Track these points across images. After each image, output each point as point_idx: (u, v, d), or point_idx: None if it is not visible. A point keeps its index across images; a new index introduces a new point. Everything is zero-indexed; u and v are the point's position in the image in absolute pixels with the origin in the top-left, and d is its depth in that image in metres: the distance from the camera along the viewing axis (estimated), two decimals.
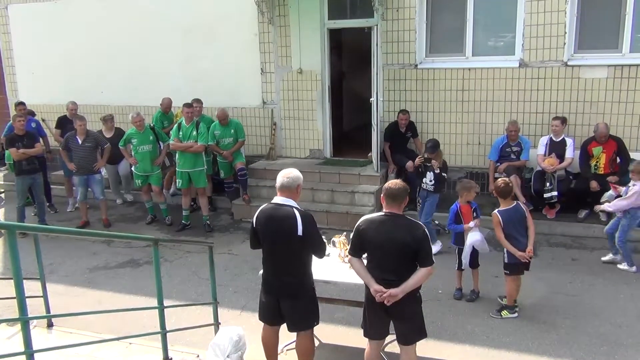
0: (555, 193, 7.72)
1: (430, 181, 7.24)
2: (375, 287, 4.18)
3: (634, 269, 6.67)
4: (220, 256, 7.49)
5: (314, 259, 4.60)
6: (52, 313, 5.45)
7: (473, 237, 5.97)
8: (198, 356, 4.59)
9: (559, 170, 7.91)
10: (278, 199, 4.46)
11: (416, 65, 9.01)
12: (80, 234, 5.63)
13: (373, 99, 8.69)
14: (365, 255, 4.35)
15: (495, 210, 5.62)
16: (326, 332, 5.51)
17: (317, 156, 9.90)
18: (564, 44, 8.18)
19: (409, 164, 8.81)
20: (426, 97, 9.07)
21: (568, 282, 6.52)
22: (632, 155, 7.86)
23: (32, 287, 5.00)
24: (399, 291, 4.12)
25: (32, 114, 10.25)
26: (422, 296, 4.40)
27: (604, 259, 7.01)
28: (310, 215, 4.47)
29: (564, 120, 8.09)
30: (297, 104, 9.81)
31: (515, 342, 5.29)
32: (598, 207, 7.03)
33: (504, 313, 5.73)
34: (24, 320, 3.30)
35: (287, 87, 9.81)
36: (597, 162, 7.86)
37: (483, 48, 8.82)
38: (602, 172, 7.80)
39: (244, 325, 5.13)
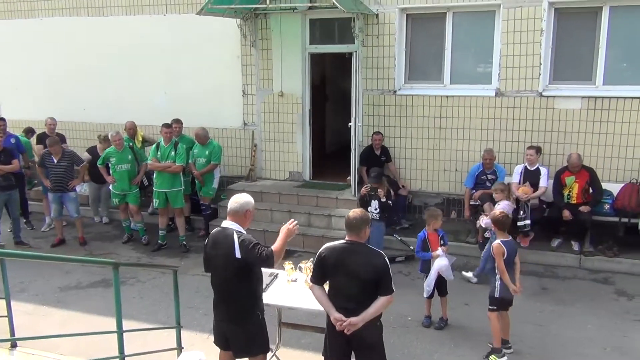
0: (528, 222, 7.77)
1: (376, 209, 7.33)
2: (335, 315, 4.19)
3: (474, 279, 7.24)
4: (193, 277, 7.48)
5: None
6: (16, 333, 5.42)
7: (440, 263, 6.05)
8: None
9: (533, 199, 7.98)
10: (225, 223, 4.45)
11: (395, 92, 9.12)
12: (30, 257, 5.51)
13: (352, 124, 8.77)
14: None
15: (499, 241, 5.38)
16: (293, 357, 5.50)
17: (296, 178, 9.93)
18: (539, 74, 8.32)
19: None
20: (404, 122, 9.17)
21: (538, 311, 6.56)
22: (604, 185, 7.98)
23: None
24: (359, 320, 4.13)
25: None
26: (385, 324, 4.41)
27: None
28: (247, 236, 4.38)
29: (538, 150, 8.20)
30: (277, 126, 9.88)
31: None
32: (478, 222, 7.16)
33: (492, 358, 5.44)
34: None
35: (268, 110, 9.88)
36: (569, 191, 7.94)
37: (461, 76, 8.95)
38: (575, 202, 7.88)
39: (211, 348, 5.10)
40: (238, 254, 4.23)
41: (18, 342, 5.39)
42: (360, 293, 4.18)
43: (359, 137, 9.17)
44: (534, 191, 8.01)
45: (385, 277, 4.18)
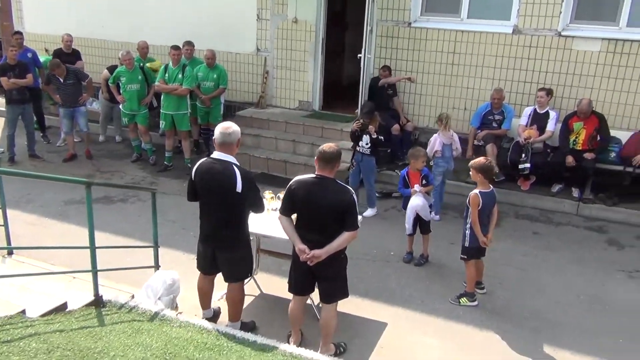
0: (528, 165, 7.66)
1: (367, 144, 7.24)
2: (299, 246, 4.32)
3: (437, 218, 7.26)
4: None
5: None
6: (17, 242, 5.76)
7: (414, 202, 6.10)
8: (133, 296, 4.80)
9: (537, 142, 7.83)
10: (217, 154, 4.52)
11: (410, 24, 8.85)
12: (5, 174, 5.66)
13: (361, 55, 8.61)
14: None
15: (477, 191, 5.27)
16: (271, 283, 5.71)
17: (305, 108, 9.91)
18: (560, 12, 7.93)
19: (396, 126, 8.82)
20: (417, 57, 8.95)
21: (521, 255, 6.59)
22: (614, 133, 7.75)
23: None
24: (322, 252, 4.26)
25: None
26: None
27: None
28: (249, 172, 4.59)
29: (549, 92, 7.94)
30: (289, 53, 9.76)
31: (447, 309, 5.42)
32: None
33: (463, 300, 5.50)
34: None
35: (281, 36, 9.74)
36: (576, 137, 7.75)
37: (480, 10, 8.60)
38: (580, 148, 7.71)
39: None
40: (239, 188, 4.36)
41: (14, 251, 5.74)
42: (326, 226, 4.29)
43: (369, 69, 9.04)
44: (540, 135, 7.86)
45: (351, 213, 4.26)
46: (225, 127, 4.56)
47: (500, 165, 7.96)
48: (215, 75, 9.10)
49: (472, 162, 5.40)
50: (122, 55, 8.83)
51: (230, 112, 9.87)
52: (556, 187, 7.98)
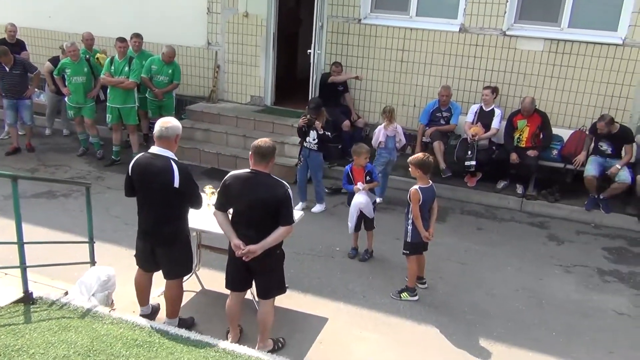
0: (473, 162, 7.79)
1: (314, 140, 7.25)
2: (235, 241, 4.29)
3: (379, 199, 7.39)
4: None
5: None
6: None
7: (357, 199, 6.10)
8: (66, 293, 4.69)
9: (483, 139, 7.98)
10: (155, 149, 4.45)
11: (360, 20, 8.89)
12: None
13: (311, 51, 8.60)
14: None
15: (417, 187, 5.31)
16: (213, 278, 5.64)
17: (257, 103, 9.85)
18: (505, 12, 8.09)
19: (346, 123, 8.84)
20: (367, 53, 9.00)
21: (464, 250, 6.70)
22: (556, 131, 7.95)
23: None
24: (257, 248, 4.24)
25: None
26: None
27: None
28: (187, 167, 4.52)
29: (494, 90, 8.10)
30: (241, 48, 9.69)
31: (388, 304, 5.48)
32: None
33: (404, 295, 5.56)
34: None
35: (232, 30, 9.65)
36: (520, 135, 7.92)
37: (428, 8, 8.70)
38: (524, 145, 7.88)
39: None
40: (177, 184, 4.30)
41: None
42: (261, 222, 4.27)
43: (320, 65, 9.04)
44: (486, 132, 8.01)
45: (286, 208, 4.25)
46: (164, 122, 4.49)
47: (447, 162, 8.08)
48: (170, 70, 8.96)
49: (410, 158, 5.43)
50: (66, 46, 8.60)
51: (182, 106, 9.73)
52: (501, 184, 8.15)
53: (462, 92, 8.60)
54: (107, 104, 8.62)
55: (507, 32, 8.16)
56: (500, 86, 8.30)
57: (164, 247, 4.58)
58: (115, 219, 6.94)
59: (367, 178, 6.22)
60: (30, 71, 8.75)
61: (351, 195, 6.28)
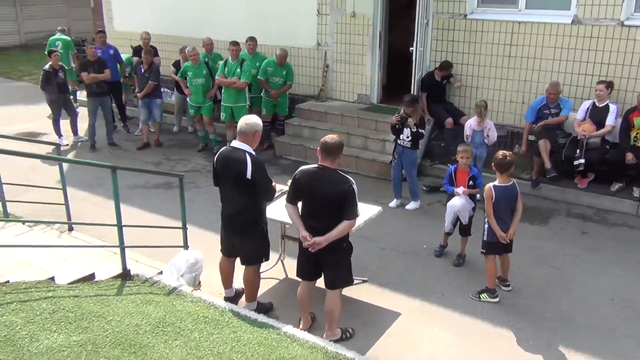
0: (582, 161, 7.31)
1: (407, 137, 7.18)
2: (302, 233, 4.54)
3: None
4: None
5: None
6: (82, 220, 6.45)
7: (453, 202, 5.98)
8: (161, 272, 5.23)
9: (594, 137, 7.46)
10: (235, 143, 4.83)
11: (465, 15, 8.70)
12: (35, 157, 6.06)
13: (413, 48, 8.60)
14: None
15: (491, 185, 5.26)
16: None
17: (364, 101, 10.01)
18: (623, 1, 7.48)
19: (449, 120, 8.73)
20: (473, 49, 8.78)
21: (562, 254, 6.35)
22: None
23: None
24: (323, 240, 4.44)
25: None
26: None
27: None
28: (260, 161, 4.82)
29: (609, 85, 7.52)
30: (348, 47, 9.91)
31: (466, 304, 5.39)
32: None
33: (483, 296, 5.44)
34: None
35: (340, 30, 9.90)
36: (637, 133, 7.30)
37: (538, 0, 8.27)
38: None
39: None
40: (249, 175, 4.64)
41: (75, 227, 6.39)
42: (327, 215, 4.47)
43: (426, 62, 9.01)
44: (597, 129, 7.48)
45: (350, 203, 4.40)
46: (246, 119, 4.85)
47: (554, 162, 7.66)
48: (284, 72, 9.50)
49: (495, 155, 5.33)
50: (188, 51, 9.41)
51: (293, 104, 10.18)
52: (616, 186, 7.57)
53: (574, 87, 8.09)
54: (222, 103, 9.29)
55: (626, 23, 7.53)
56: (617, 81, 7.70)
57: (240, 234, 4.94)
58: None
59: (470, 182, 5.99)
60: (151, 78, 9.60)
61: (451, 196, 6.10)
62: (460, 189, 5.98)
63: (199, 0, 11.25)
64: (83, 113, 10.64)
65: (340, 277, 4.71)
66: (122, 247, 4.90)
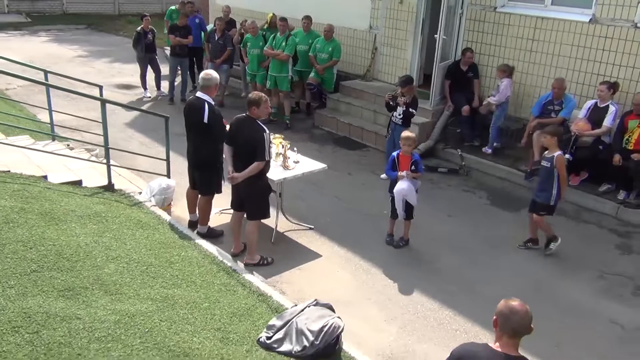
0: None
1: (399, 115, 7.72)
2: (229, 169, 5.59)
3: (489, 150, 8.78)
4: None
5: None
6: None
7: (399, 186, 6.19)
8: (140, 193, 6.53)
9: (586, 136, 7.53)
10: (198, 94, 5.96)
11: (495, 8, 8.98)
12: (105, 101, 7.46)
13: (437, 36, 9.07)
14: None
15: (560, 152, 6.02)
16: None
17: None
18: (638, 2, 7.40)
19: (465, 108, 9.11)
20: (500, 41, 9.04)
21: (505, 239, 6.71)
22: None
23: None
24: (239, 175, 5.48)
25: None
26: (269, 186, 5.68)
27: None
28: (216, 109, 5.88)
29: (612, 86, 7.50)
30: (394, 32, 10.54)
31: (379, 256, 6.12)
32: (486, 100, 8.72)
33: (553, 245, 6.31)
34: None
35: (390, 16, 10.56)
36: (629, 136, 7.27)
37: None
38: (632, 148, 7.22)
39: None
40: (206, 119, 5.77)
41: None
42: (246, 155, 5.48)
43: (453, 51, 9.45)
44: (594, 129, 7.54)
45: (260, 147, 5.37)
46: (206, 73, 6.00)
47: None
48: (330, 48, 10.41)
49: (544, 129, 6.22)
50: (247, 24, 10.68)
51: (339, 81, 11.06)
52: (604, 187, 7.58)
53: (586, 86, 8.11)
54: (268, 72, 10.46)
55: (639, 25, 7.45)
56: (626, 83, 7.64)
57: (198, 169, 6.09)
58: None
59: (412, 167, 6.23)
60: (227, 45, 11.03)
61: (394, 182, 6.34)
62: (403, 172, 6.19)
63: None
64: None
65: (255, 210, 5.69)
66: (108, 164, 6.29)
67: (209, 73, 5.99)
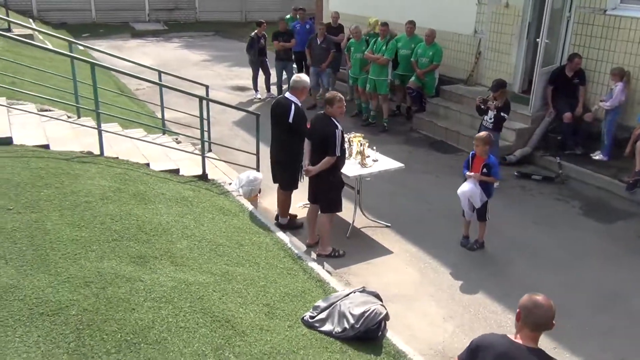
0: None
1: (490, 119, 7.57)
2: (304, 162, 5.94)
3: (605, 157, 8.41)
4: None
5: None
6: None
7: (463, 187, 6.19)
8: (230, 184, 7.07)
9: None
10: (287, 94, 6.38)
11: (605, 11, 8.52)
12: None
13: (539, 39, 8.79)
14: None
15: None
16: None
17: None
18: None
19: (568, 115, 8.75)
20: (609, 46, 8.57)
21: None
22: None
23: None
24: (312, 169, 5.83)
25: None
26: (341, 181, 5.95)
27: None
28: (301, 110, 6.21)
29: None
30: (499, 36, 10.34)
31: (447, 254, 6.14)
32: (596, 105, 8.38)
33: None
34: None
35: (494, 20, 10.37)
36: None
37: None
38: None
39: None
40: (291, 119, 6.17)
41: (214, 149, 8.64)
42: (319, 150, 5.79)
43: (564, 55, 9.12)
44: None
45: (330, 143, 5.67)
46: (297, 76, 6.43)
47: None
48: (431, 53, 10.48)
49: None
50: (350, 29, 11.02)
51: (441, 85, 11.04)
52: None
53: None
54: (369, 76, 10.71)
55: None
56: None
57: (279, 165, 6.50)
58: None
59: (484, 170, 6.14)
60: (330, 48, 11.45)
61: (464, 180, 6.33)
62: (471, 174, 6.15)
63: None
64: None
65: (327, 203, 5.98)
66: (203, 156, 6.91)
67: (300, 76, 6.39)
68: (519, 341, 2.88)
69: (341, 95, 5.92)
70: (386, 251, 6.31)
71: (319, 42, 11.52)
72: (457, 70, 11.27)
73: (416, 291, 5.56)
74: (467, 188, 6.20)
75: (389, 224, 6.87)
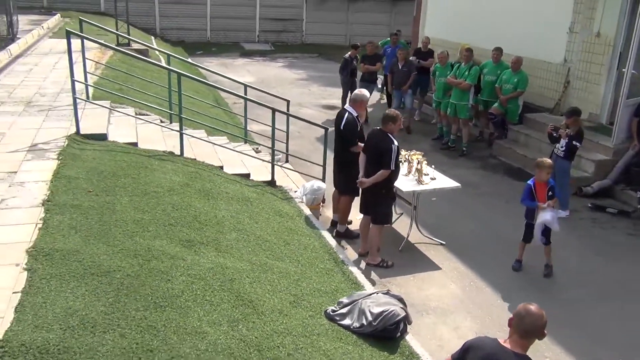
0: None
1: (562, 147, 7.42)
2: (359, 174, 6.28)
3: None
4: None
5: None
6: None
7: (544, 217, 6.10)
8: (296, 191, 7.53)
9: None
10: (346, 106, 6.83)
11: None
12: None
13: (626, 70, 8.53)
14: None
15: None
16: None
17: (592, 120, 10.04)
18: None
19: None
20: None
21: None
22: None
23: None
24: (366, 181, 6.14)
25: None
26: (393, 195, 6.19)
27: None
28: (353, 121, 6.60)
29: None
30: (588, 66, 10.09)
31: (497, 282, 6.15)
32: None
33: None
34: None
35: (585, 49, 10.14)
36: None
37: None
38: None
39: None
40: (342, 127, 6.67)
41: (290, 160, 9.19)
42: (374, 164, 6.11)
43: None
44: None
45: (385, 157, 5.95)
46: (358, 90, 6.86)
47: None
48: (516, 79, 10.44)
49: None
50: (438, 54, 11.23)
51: (525, 112, 10.89)
52: None
53: None
54: (450, 100, 10.83)
55: None
56: None
57: (337, 170, 6.89)
58: None
59: (549, 193, 6.19)
60: (411, 71, 11.72)
61: (530, 210, 6.35)
62: (546, 204, 6.12)
63: (480, 17, 12.74)
64: None
65: (377, 215, 6.25)
66: (273, 164, 7.44)
67: (361, 90, 6.83)
68: (508, 346, 3.03)
69: (400, 114, 6.22)
70: (434, 267, 6.45)
71: (400, 67, 11.82)
72: (544, 98, 11.08)
73: (455, 306, 5.66)
74: (548, 217, 6.10)
75: (444, 242, 6.99)
